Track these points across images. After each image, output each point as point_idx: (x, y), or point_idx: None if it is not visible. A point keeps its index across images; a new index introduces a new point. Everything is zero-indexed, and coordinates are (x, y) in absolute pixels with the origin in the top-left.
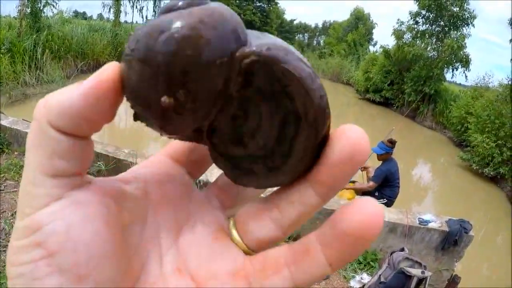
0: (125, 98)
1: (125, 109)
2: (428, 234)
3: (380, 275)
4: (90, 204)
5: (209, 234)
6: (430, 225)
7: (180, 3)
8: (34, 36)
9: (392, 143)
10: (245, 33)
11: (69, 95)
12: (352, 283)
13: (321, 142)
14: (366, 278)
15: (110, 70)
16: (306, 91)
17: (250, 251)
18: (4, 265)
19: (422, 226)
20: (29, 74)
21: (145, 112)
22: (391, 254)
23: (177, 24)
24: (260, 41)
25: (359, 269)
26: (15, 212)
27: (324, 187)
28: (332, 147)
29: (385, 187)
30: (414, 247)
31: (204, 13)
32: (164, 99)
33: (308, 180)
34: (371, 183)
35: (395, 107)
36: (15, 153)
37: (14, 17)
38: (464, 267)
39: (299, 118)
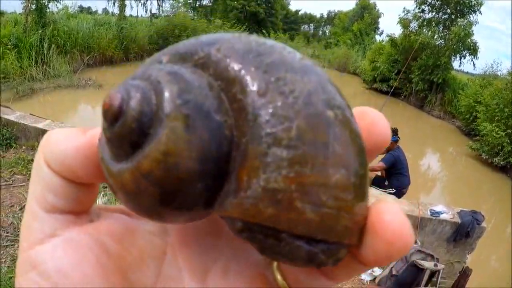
0: None
1: None
2: (439, 225)
3: (391, 268)
4: (84, 245)
5: (246, 280)
6: (442, 216)
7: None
8: (40, 32)
9: (391, 131)
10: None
11: (65, 141)
12: (363, 275)
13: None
14: (377, 270)
15: None
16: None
17: None
18: (13, 259)
19: (433, 218)
20: (36, 69)
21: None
22: None
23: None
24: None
25: None
26: (24, 206)
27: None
28: (366, 244)
29: (392, 175)
30: (425, 239)
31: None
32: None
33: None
34: (381, 163)
35: (402, 97)
36: (23, 147)
37: (19, 13)
38: (473, 259)
39: None
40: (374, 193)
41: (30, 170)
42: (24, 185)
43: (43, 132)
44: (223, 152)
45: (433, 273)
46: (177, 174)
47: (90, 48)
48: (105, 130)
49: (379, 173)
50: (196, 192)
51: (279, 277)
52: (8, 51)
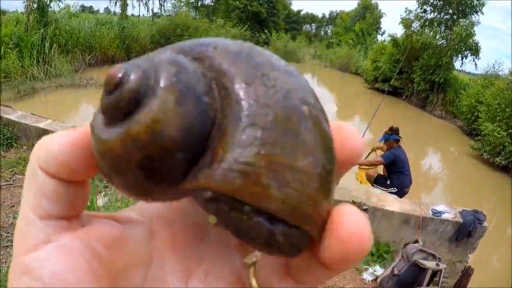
0: None
1: None
2: (441, 225)
3: (393, 267)
4: (76, 251)
5: (225, 283)
6: (444, 216)
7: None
8: (42, 31)
9: (392, 130)
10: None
11: (58, 140)
12: (365, 275)
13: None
14: (379, 270)
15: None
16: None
17: None
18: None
19: (435, 217)
20: (37, 68)
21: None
22: (404, 246)
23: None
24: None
25: (372, 261)
26: None
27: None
28: (324, 242)
29: (393, 174)
30: (427, 238)
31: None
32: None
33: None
34: (380, 158)
35: (404, 97)
36: (24, 147)
37: (21, 12)
38: (474, 258)
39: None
40: (375, 192)
41: None
42: None
43: (44, 131)
44: (205, 130)
45: (435, 273)
46: (161, 141)
47: (92, 48)
48: (103, 98)
49: (381, 172)
50: (175, 161)
51: (254, 283)
52: (9, 50)
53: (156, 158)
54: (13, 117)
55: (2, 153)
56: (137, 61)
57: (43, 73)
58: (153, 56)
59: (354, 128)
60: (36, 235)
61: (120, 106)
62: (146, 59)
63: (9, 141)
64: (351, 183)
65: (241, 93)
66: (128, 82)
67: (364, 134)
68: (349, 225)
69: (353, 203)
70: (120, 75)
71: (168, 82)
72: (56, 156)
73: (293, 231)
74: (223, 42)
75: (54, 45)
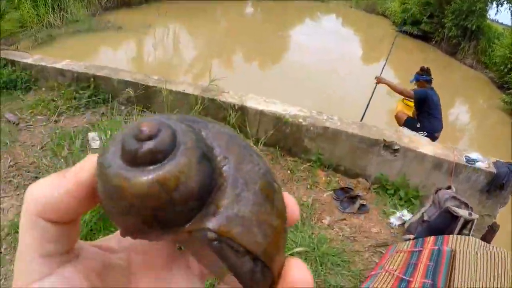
0: None
1: (152, 44)
2: (474, 174)
3: (423, 213)
4: (76, 282)
5: None
6: (477, 164)
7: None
8: None
9: (422, 70)
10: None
11: (52, 190)
12: (392, 219)
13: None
14: (407, 215)
15: (87, 170)
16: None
17: None
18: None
19: (469, 165)
20: (53, 15)
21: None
22: (436, 191)
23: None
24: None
25: (400, 205)
26: (45, 144)
27: None
28: (278, 286)
29: (424, 116)
30: (459, 186)
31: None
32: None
33: None
34: (411, 91)
35: (434, 42)
36: (43, 89)
37: None
38: (502, 215)
39: None
40: (406, 133)
41: (50, 110)
42: (44, 124)
43: (61, 72)
44: (211, 186)
45: (466, 223)
46: (184, 189)
47: None
48: (130, 143)
49: (410, 114)
50: (188, 207)
51: None
52: (23, 0)
53: (176, 202)
54: (30, 60)
55: (21, 96)
56: (164, 120)
57: (60, 19)
58: (171, 120)
59: (292, 198)
60: (39, 270)
61: (151, 154)
62: (169, 120)
63: (27, 84)
64: (382, 123)
65: (237, 167)
66: (161, 137)
67: (381, 72)
68: (298, 272)
69: (384, 141)
70: (155, 129)
71: (192, 145)
72: (56, 206)
73: (268, 272)
74: (213, 125)
75: None
